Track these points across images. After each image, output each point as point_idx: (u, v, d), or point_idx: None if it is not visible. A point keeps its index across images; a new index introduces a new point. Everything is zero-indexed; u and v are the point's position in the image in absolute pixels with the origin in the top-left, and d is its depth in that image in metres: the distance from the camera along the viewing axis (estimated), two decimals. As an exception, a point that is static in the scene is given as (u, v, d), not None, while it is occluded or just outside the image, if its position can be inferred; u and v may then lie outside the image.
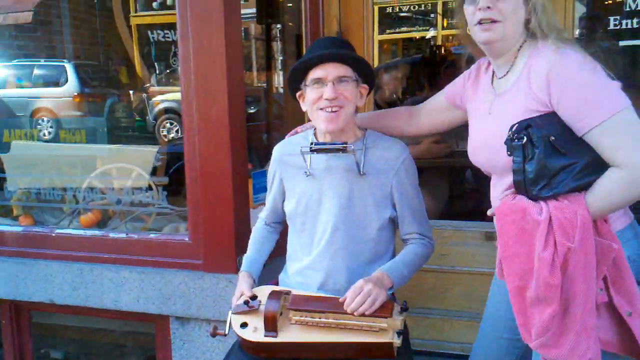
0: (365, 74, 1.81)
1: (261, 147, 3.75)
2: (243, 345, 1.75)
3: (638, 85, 2.85)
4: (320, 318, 1.67)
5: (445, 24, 6.47)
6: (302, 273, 1.88)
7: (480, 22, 1.54)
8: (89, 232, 2.76)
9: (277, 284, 1.96)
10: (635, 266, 1.49)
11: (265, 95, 4.62)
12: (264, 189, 2.08)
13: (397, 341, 1.60)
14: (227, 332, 1.79)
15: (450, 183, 3.28)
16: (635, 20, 2.53)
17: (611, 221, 1.48)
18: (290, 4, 3.84)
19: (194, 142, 2.38)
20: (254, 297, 1.77)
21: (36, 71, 5.20)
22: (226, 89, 2.27)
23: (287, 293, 1.76)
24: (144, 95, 5.20)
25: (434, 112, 1.94)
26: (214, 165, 2.35)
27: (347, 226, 1.81)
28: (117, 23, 4.58)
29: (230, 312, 1.79)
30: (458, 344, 2.66)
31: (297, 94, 1.86)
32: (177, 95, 2.84)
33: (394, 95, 3.60)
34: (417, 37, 6.69)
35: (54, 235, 2.78)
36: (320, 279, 1.83)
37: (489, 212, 1.63)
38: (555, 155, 1.41)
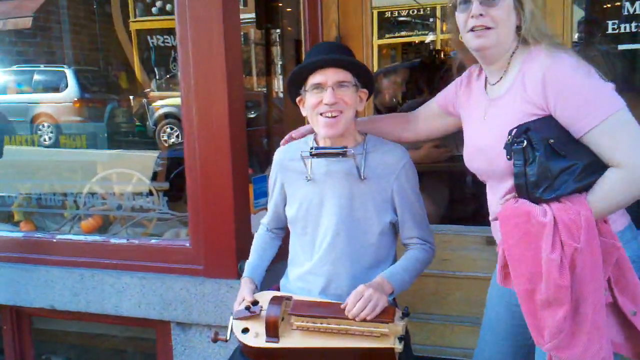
0: (364, 78, 1.81)
1: (261, 151, 3.75)
2: (244, 350, 1.74)
3: (637, 88, 2.86)
4: (321, 323, 1.66)
5: (444, 28, 6.48)
6: (303, 278, 1.88)
7: (473, 29, 1.55)
8: (90, 238, 2.76)
9: (278, 289, 1.96)
10: (635, 267, 1.49)
11: (265, 100, 4.62)
12: (265, 194, 2.08)
13: (398, 346, 1.60)
14: (228, 338, 1.79)
15: (450, 187, 3.28)
16: (633, 24, 2.54)
17: (610, 222, 1.49)
18: (289, 9, 3.84)
19: (194, 147, 2.38)
20: (255, 303, 1.77)
21: (36, 77, 5.19)
22: (226, 94, 2.28)
23: (289, 298, 1.75)
24: (144, 100, 5.19)
25: (428, 119, 1.95)
26: (214, 170, 2.35)
27: (348, 231, 1.81)
28: (117, 28, 4.59)
29: (231, 317, 1.79)
30: (460, 349, 2.66)
31: (297, 99, 1.86)
32: (177, 101, 2.84)
33: (394, 100, 3.61)
34: (416, 42, 6.71)
35: (54, 241, 2.78)
36: (322, 284, 1.83)
37: (491, 217, 1.63)
38: (556, 158, 1.41)
